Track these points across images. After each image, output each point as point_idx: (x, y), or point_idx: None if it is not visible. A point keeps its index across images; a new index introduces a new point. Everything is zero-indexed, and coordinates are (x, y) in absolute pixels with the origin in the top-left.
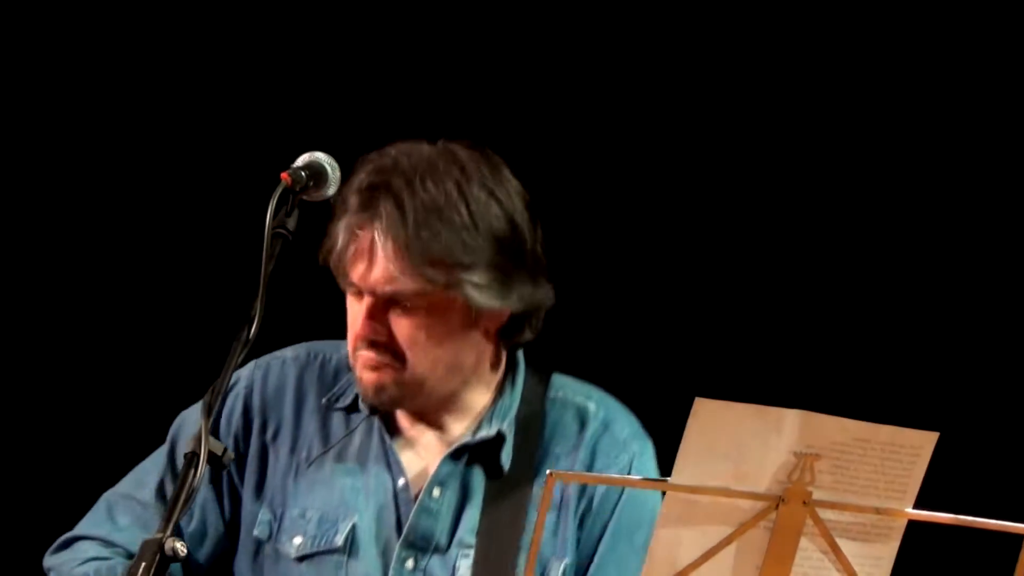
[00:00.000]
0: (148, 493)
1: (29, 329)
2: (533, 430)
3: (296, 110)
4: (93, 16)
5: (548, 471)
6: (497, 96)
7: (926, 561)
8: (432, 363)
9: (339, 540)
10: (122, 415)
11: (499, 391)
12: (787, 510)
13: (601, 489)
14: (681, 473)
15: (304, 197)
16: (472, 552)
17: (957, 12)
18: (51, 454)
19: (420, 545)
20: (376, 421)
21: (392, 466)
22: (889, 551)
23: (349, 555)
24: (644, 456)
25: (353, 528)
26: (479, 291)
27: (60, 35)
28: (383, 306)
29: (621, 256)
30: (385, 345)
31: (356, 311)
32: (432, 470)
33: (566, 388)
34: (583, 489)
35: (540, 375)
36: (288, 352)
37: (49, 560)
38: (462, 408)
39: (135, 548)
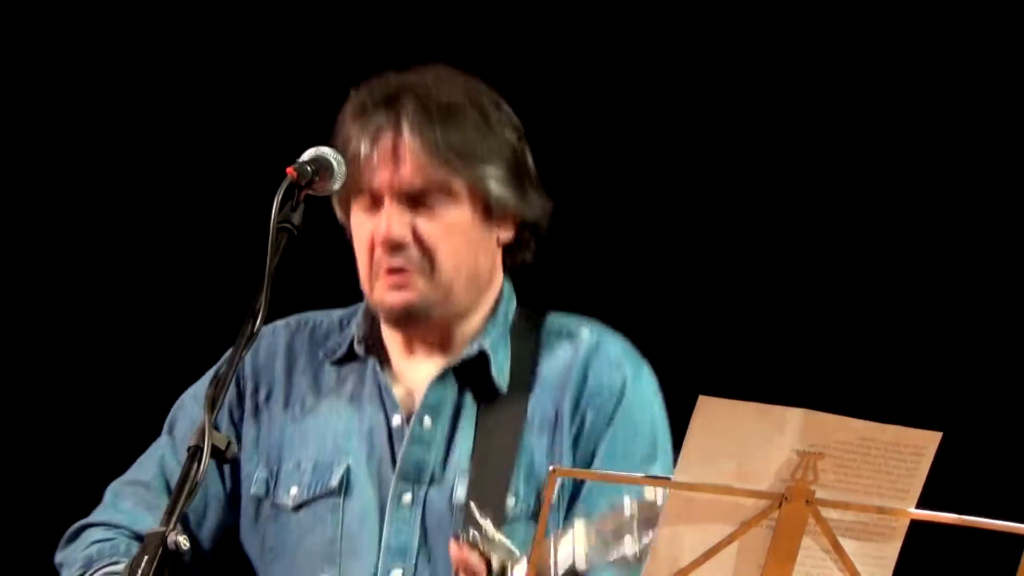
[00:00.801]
0: (149, 472)
1: (34, 326)
2: (526, 353)
3: (302, 106)
4: (95, 14)
5: (551, 467)
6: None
7: (928, 561)
8: (456, 267)
9: (334, 482)
10: (125, 411)
11: (491, 314)
12: (790, 509)
13: (595, 408)
14: (684, 471)
15: (309, 192)
16: (467, 478)
17: (957, 12)
18: (54, 451)
19: (414, 477)
20: (370, 363)
21: (387, 404)
22: (891, 551)
23: (345, 495)
24: (639, 377)
25: (347, 469)
26: (500, 185)
27: (62, 33)
28: (408, 207)
29: (626, 254)
30: (411, 247)
31: (370, 227)
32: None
33: (562, 319)
34: (576, 408)
35: (533, 309)
36: (278, 321)
37: (59, 555)
38: (461, 333)
39: (139, 527)
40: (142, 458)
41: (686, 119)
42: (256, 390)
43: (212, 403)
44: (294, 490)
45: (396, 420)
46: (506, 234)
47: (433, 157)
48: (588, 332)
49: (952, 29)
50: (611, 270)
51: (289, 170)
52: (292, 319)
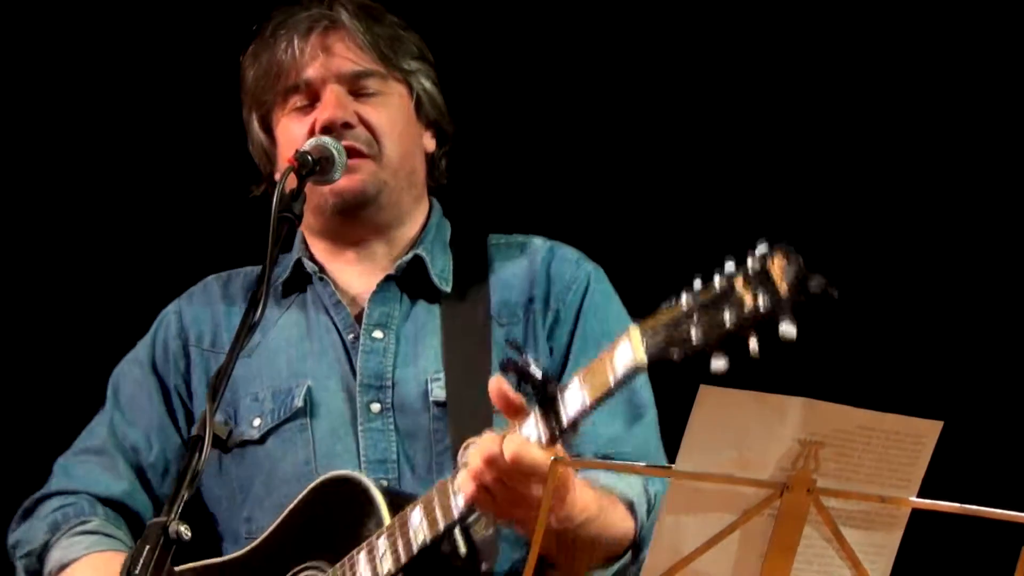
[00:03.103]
0: (99, 439)
1: (26, 322)
2: (472, 262)
3: None
4: (92, 10)
5: (552, 458)
6: (501, 99)
7: (930, 550)
8: (401, 155)
9: (298, 402)
10: (53, 395)
11: (423, 227)
12: (791, 498)
13: (565, 300)
14: (685, 460)
15: (311, 181)
16: (443, 376)
17: (957, 12)
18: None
19: (378, 384)
20: (314, 288)
21: (338, 321)
22: (893, 540)
23: (311, 416)
24: (599, 275)
25: (309, 389)
26: (427, 82)
27: (59, 27)
28: (346, 93)
29: (630, 244)
30: (359, 128)
31: (307, 122)
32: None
33: (505, 236)
34: (547, 304)
35: (473, 228)
36: (208, 277)
37: (14, 534)
38: (400, 237)
39: (97, 489)
40: (88, 429)
41: (673, 113)
42: (200, 339)
43: (213, 393)
44: (257, 421)
45: (350, 335)
46: (430, 142)
47: (372, 47)
48: (540, 240)
49: (952, 26)
50: (618, 259)
51: (290, 159)
52: (221, 273)
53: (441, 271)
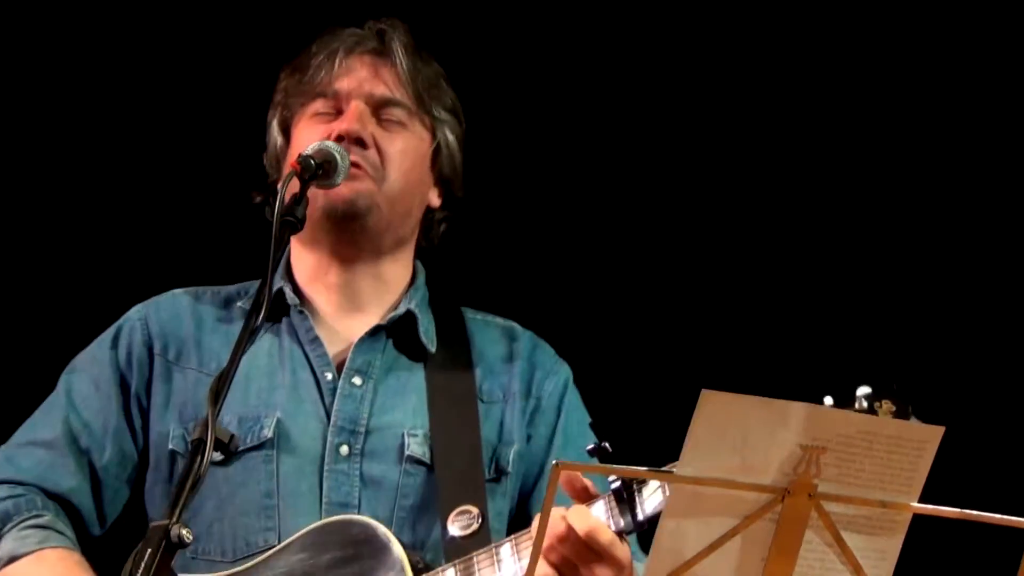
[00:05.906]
0: (50, 432)
1: (27, 321)
2: (456, 327)
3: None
4: (92, 11)
5: (554, 461)
6: (503, 102)
7: (931, 556)
8: (403, 189)
9: (268, 433)
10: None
11: (412, 281)
12: (793, 503)
13: (546, 391)
14: (687, 465)
15: (313, 185)
16: (421, 432)
17: (957, 12)
18: None
19: (350, 428)
20: (291, 320)
21: (315, 360)
22: (894, 545)
23: (279, 448)
24: (571, 377)
25: (279, 421)
26: (451, 135)
27: (58, 28)
28: (370, 114)
29: (630, 249)
30: (371, 149)
31: (325, 129)
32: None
33: (483, 314)
34: (528, 389)
35: (448, 297)
36: (175, 290)
37: None
38: (383, 278)
39: (46, 484)
40: (32, 422)
41: (677, 117)
42: (165, 350)
43: (216, 396)
44: None
45: (328, 376)
46: (436, 198)
47: (410, 82)
48: (519, 329)
49: (952, 28)
50: (619, 264)
51: (293, 163)
52: (189, 288)
53: (426, 331)
